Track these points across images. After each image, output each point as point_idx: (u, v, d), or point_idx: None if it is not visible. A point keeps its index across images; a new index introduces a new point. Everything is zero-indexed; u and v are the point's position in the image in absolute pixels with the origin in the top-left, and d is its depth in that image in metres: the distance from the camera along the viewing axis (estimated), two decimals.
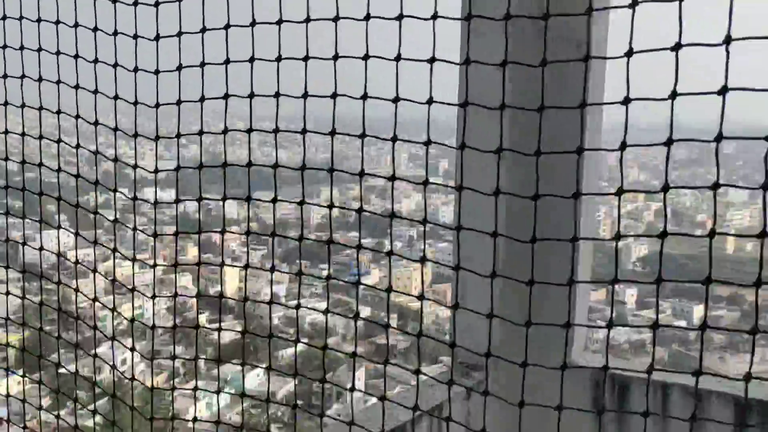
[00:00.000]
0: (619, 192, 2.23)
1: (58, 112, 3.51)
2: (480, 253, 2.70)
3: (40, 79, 3.46)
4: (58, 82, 3.41)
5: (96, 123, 3.40)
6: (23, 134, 3.63)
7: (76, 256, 3.70)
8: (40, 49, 3.45)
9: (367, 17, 2.52)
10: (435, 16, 2.40)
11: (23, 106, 3.56)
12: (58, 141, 3.55)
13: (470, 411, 4.09)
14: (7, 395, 3.97)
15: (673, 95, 2.06)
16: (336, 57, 2.58)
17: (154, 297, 3.35)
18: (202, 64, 2.97)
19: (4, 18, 3.60)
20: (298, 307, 2.98)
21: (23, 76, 3.55)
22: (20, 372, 4.05)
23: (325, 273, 2.86)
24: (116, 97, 3.30)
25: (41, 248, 3.56)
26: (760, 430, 3.86)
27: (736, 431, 3.74)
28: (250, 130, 2.93)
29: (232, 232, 3.42)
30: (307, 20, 2.66)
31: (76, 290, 3.60)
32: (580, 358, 4.43)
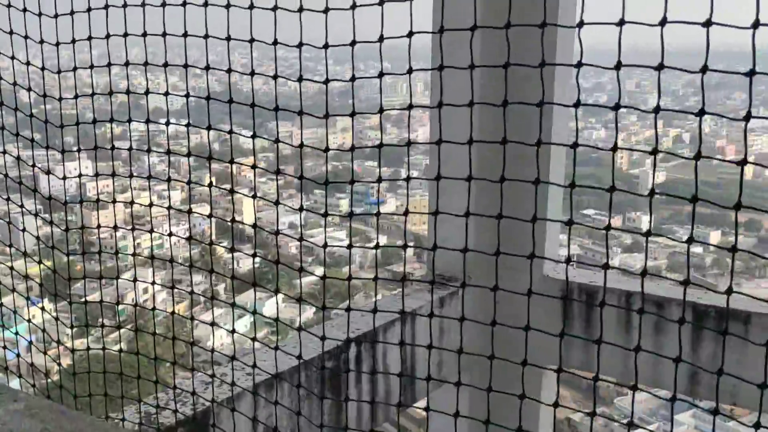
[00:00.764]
0: (576, 105, 2.37)
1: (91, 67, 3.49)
2: (457, 166, 2.80)
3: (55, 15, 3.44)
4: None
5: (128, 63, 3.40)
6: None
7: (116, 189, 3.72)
8: None
9: None
10: None
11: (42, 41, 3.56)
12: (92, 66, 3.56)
13: (444, 318, 4.28)
14: (29, 320, 4.07)
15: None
16: (326, 10, 2.79)
17: (169, 207, 3.39)
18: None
19: None
20: (301, 239, 3.12)
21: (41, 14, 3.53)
22: (44, 300, 4.13)
23: (342, 202, 2.93)
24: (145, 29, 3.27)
25: (65, 177, 3.59)
26: (715, 333, 4.06)
27: (694, 334, 4.06)
28: (252, 74, 3.05)
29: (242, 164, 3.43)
30: None
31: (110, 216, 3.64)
32: (552, 271, 4.61)
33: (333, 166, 3.12)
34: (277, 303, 3.29)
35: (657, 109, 2.17)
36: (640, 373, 2.71)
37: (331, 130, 2.92)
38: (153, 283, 3.62)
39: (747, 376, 2.20)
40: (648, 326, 4.16)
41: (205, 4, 3.01)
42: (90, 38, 3.36)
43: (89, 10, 3.32)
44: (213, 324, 3.46)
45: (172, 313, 3.59)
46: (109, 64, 3.42)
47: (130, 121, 3.49)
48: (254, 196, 3.21)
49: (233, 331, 3.42)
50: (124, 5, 3.24)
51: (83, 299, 3.93)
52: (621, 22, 2.12)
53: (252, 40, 2.92)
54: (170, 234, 3.42)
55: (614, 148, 2.37)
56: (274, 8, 2.84)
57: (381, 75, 2.77)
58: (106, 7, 3.26)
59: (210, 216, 3.38)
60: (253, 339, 3.41)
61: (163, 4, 3.14)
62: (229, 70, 3.08)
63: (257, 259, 3.60)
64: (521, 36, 2.59)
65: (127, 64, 3.36)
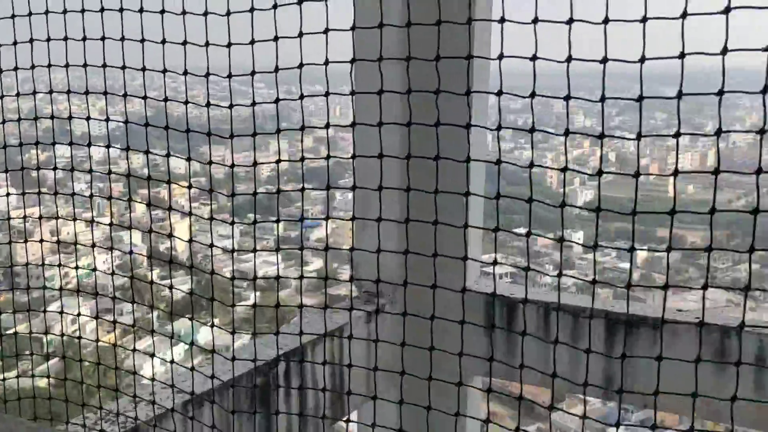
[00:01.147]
0: (498, 128, 2.69)
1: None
2: (376, 183, 2.94)
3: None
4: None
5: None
6: None
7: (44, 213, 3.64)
8: None
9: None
10: None
11: None
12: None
13: (371, 332, 4.32)
14: None
15: None
16: (253, 41, 2.95)
17: (92, 220, 3.35)
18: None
19: None
20: (190, 241, 3.32)
21: None
22: None
23: (275, 225, 2.99)
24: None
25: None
26: (626, 336, 4.29)
27: (608, 340, 4.28)
28: (165, 100, 3.13)
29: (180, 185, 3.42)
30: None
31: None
32: (475, 284, 4.71)
33: (266, 189, 3.17)
34: (192, 325, 3.32)
35: (602, 135, 2.33)
36: (558, 382, 2.80)
37: (264, 154, 2.97)
38: (77, 296, 3.58)
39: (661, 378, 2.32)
40: (565, 334, 4.31)
41: (122, 39, 3.14)
42: (16, 69, 3.41)
43: (15, 43, 3.41)
44: (133, 330, 3.45)
45: (97, 326, 3.54)
46: (34, 92, 3.47)
47: (54, 143, 3.49)
48: (169, 212, 3.25)
49: (152, 338, 3.42)
50: (48, 39, 3.32)
51: (11, 331, 3.83)
52: (534, 57, 2.23)
53: (165, 71, 3.09)
54: (93, 247, 3.42)
55: (564, 169, 2.54)
56: (206, 44, 2.97)
57: (252, 104, 2.99)
58: (31, 41, 3.36)
59: (130, 232, 3.36)
60: (173, 342, 3.44)
61: (84, 39, 3.26)
62: (145, 97, 3.22)
63: (187, 286, 3.61)
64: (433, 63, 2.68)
65: (51, 92, 3.43)
